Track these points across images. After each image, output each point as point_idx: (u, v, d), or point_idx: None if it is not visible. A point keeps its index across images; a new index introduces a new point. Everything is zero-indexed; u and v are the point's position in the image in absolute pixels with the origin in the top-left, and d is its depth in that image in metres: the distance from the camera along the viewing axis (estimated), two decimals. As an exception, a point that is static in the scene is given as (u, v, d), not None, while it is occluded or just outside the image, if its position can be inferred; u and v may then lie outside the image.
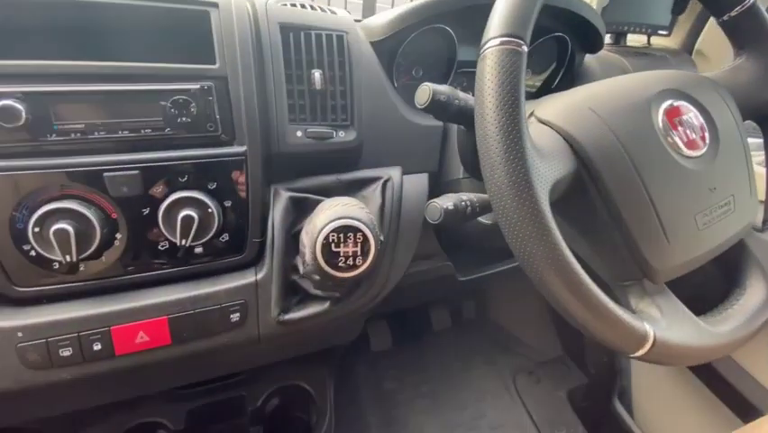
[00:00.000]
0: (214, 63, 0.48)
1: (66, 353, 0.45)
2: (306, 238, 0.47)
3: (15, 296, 0.46)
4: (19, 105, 0.41)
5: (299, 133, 0.55)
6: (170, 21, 0.47)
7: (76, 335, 0.46)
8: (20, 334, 0.44)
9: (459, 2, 0.64)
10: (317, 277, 0.47)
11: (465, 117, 0.47)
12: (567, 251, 0.35)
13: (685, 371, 0.84)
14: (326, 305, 0.56)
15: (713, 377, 0.76)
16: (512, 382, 1.30)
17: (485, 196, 0.47)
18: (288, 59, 0.53)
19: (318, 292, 0.55)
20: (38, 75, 0.42)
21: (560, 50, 0.83)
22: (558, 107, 0.46)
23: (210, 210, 0.48)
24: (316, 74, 0.54)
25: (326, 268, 0.45)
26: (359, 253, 0.45)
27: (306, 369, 0.91)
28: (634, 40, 1.10)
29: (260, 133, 0.51)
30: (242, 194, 0.51)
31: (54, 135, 0.43)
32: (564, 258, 0.35)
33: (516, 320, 1.41)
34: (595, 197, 0.43)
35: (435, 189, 0.69)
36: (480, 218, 0.65)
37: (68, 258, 0.43)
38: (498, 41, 0.36)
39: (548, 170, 0.38)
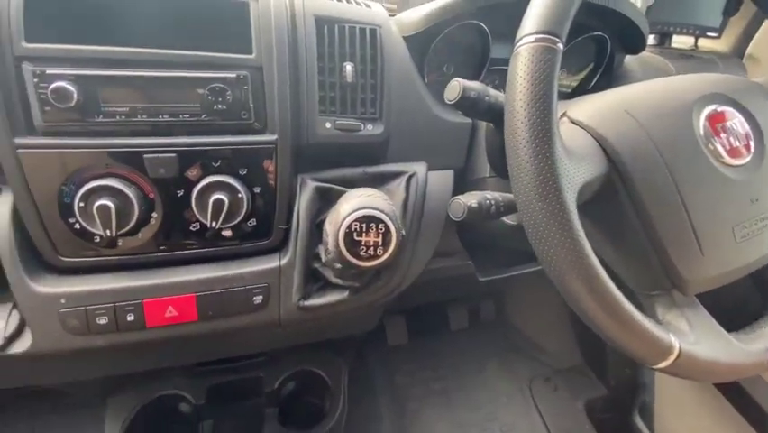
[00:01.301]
0: (250, 53, 0.50)
1: (102, 321, 0.48)
2: (329, 227, 0.48)
3: (59, 265, 0.49)
4: (71, 87, 0.43)
5: (328, 125, 0.55)
6: (212, 11, 0.49)
7: (112, 305, 0.49)
8: (62, 300, 0.48)
9: (495, -2, 0.63)
10: (339, 265, 0.48)
11: (495, 115, 0.47)
12: (591, 254, 0.34)
13: (712, 389, 0.80)
14: (345, 294, 0.57)
15: (741, 397, 0.73)
16: (528, 387, 1.28)
17: (510, 195, 0.47)
18: (322, 51, 0.54)
19: (338, 281, 0.56)
20: (89, 59, 0.45)
21: (598, 50, 0.80)
22: (592, 108, 0.45)
23: (240, 195, 0.50)
24: (348, 67, 0.55)
25: (348, 256, 0.45)
26: (380, 244, 0.46)
27: (323, 356, 0.93)
28: (680, 41, 1.04)
29: (291, 123, 0.52)
30: (271, 181, 0.53)
31: (101, 117, 0.46)
32: (588, 261, 0.34)
33: (536, 325, 1.39)
34: (625, 201, 0.42)
35: (461, 187, 0.68)
36: (504, 218, 0.65)
37: (108, 233, 0.46)
38: (532, 37, 0.35)
39: (577, 171, 0.37)
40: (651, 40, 1.00)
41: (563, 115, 0.46)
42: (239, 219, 0.51)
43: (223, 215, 0.49)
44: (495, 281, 0.85)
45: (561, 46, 0.35)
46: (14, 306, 0.49)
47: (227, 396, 0.87)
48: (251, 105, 0.50)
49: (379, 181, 0.61)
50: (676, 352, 0.37)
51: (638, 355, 0.37)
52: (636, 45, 0.77)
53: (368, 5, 0.60)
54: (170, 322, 0.51)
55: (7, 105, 0.43)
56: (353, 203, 0.46)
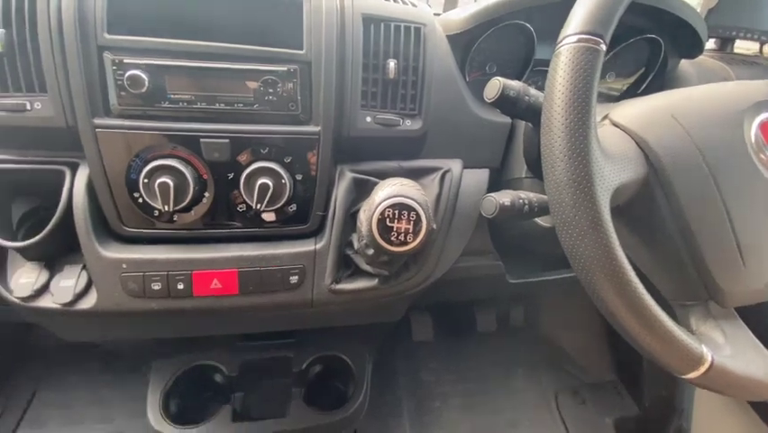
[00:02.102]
0: (301, 49, 0.53)
1: (156, 287, 0.54)
2: (363, 215, 0.51)
3: (123, 234, 0.55)
4: (144, 75, 0.49)
5: (368, 119, 0.58)
6: (268, 8, 0.53)
7: (165, 273, 0.54)
8: (124, 265, 0.53)
9: (541, -1, 0.63)
10: (371, 251, 0.51)
11: (534, 115, 0.47)
12: (622, 255, 0.34)
13: (755, 418, 0.75)
14: (374, 281, 0.59)
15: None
16: (554, 398, 1.25)
17: (545, 197, 0.47)
18: (367, 48, 0.56)
19: (368, 268, 0.59)
20: (159, 51, 0.50)
21: (652, 53, 0.77)
22: (635, 111, 0.44)
23: (283, 181, 0.54)
24: (391, 63, 0.57)
25: (380, 241, 0.48)
26: (410, 231, 0.48)
27: (349, 344, 0.96)
28: (743, 47, 0.98)
29: (334, 115, 0.55)
30: (312, 170, 0.56)
31: (167, 103, 0.51)
32: (618, 262, 0.34)
33: (567, 335, 1.35)
34: (663, 207, 0.41)
35: (496, 186, 0.69)
36: (538, 220, 0.64)
37: (166, 207, 0.51)
38: (575, 38, 0.35)
39: (613, 172, 0.37)
40: (711, 44, 0.95)
41: (606, 117, 0.46)
42: (281, 203, 0.55)
43: (267, 198, 0.53)
44: (525, 286, 0.84)
45: (604, 47, 0.35)
46: (84, 267, 0.55)
47: (259, 371, 0.92)
48: (299, 98, 0.54)
49: (414, 175, 0.63)
50: (707, 363, 0.36)
51: (666, 363, 0.36)
52: (693, 49, 0.74)
53: (414, 5, 0.62)
54: (214, 293, 0.55)
55: (90, 90, 0.49)
56: (388, 191, 0.48)
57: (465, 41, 0.67)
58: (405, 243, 0.48)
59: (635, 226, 0.44)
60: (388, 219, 0.47)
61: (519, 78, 0.73)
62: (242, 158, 0.53)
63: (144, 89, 0.49)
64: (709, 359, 0.36)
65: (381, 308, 0.74)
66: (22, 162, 0.53)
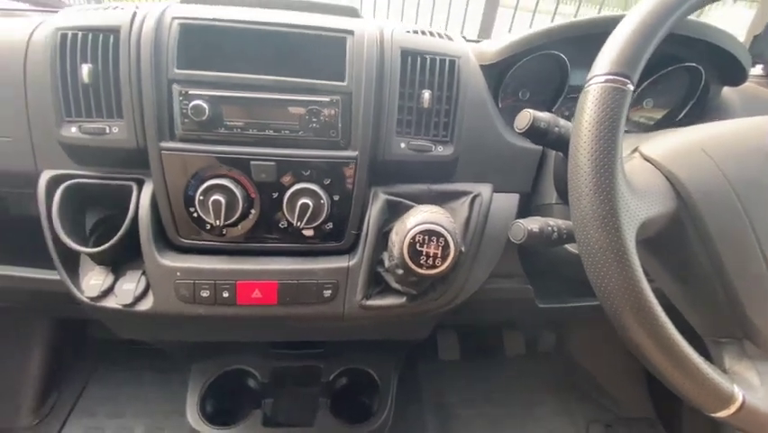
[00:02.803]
0: (343, 81, 0.57)
1: (205, 294, 0.59)
2: (395, 237, 0.54)
3: (178, 245, 0.61)
4: (205, 105, 0.55)
5: (402, 145, 0.61)
6: (315, 44, 0.58)
7: (213, 282, 0.59)
8: (178, 273, 0.59)
9: (574, 31, 0.65)
10: (401, 271, 0.54)
11: (563, 145, 0.48)
12: (648, 290, 0.34)
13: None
14: (403, 299, 0.62)
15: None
16: (585, 430, 1.20)
17: None
18: (404, 79, 0.60)
19: (398, 287, 0.61)
20: (218, 83, 0.56)
21: (692, 80, 0.76)
22: (665, 145, 0.44)
23: (322, 201, 0.58)
24: (426, 94, 0.60)
25: (410, 264, 0.51)
26: (439, 256, 0.50)
27: (376, 358, 0.98)
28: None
29: (370, 141, 0.59)
30: (349, 191, 0.60)
31: (223, 129, 0.57)
32: (644, 296, 0.34)
33: (601, 365, 1.29)
34: (695, 243, 0.41)
35: (526, 211, 0.70)
36: (568, 247, 0.65)
37: (217, 222, 0.56)
38: (603, 78, 0.36)
39: (640, 206, 0.37)
40: (758, 70, 0.91)
41: (635, 150, 0.46)
42: (319, 222, 0.59)
43: (307, 217, 0.57)
44: (556, 311, 0.83)
45: (631, 87, 0.36)
46: (143, 273, 0.61)
47: (288, 379, 0.96)
48: (339, 125, 0.58)
49: (444, 198, 0.65)
50: (738, 402, 0.35)
51: (694, 399, 0.36)
52: (736, 77, 0.72)
53: (450, 37, 0.66)
54: (255, 302, 0.60)
55: (159, 117, 0.56)
56: (419, 217, 0.51)
57: (499, 69, 0.69)
58: (434, 266, 0.51)
59: (666, 260, 0.44)
60: (418, 244, 0.50)
61: (552, 105, 0.75)
62: (286, 179, 0.58)
63: (205, 117, 0.55)
64: (740, 398, 0.35)
65: (408, 326, 0.76)
66: (98, 177, 0.61)
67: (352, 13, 0.62)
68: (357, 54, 0.58)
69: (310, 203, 0.57)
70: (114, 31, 0.55)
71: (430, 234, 0.50)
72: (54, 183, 0.59)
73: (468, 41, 0.78)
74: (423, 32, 0.64)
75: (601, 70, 0.37)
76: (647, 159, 0.44)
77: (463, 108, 0.62)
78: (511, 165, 0.68)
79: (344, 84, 0.57)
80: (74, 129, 0.56)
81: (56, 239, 0.59)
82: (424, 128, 0.62)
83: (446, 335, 1.30)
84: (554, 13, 2.49)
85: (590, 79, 0.38)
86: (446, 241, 0.50)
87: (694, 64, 0.72)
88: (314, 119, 0.57)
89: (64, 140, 0.57)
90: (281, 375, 0.96)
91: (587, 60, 0.69)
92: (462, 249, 0.52)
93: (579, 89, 0.72)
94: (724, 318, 0.41)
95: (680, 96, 0.78)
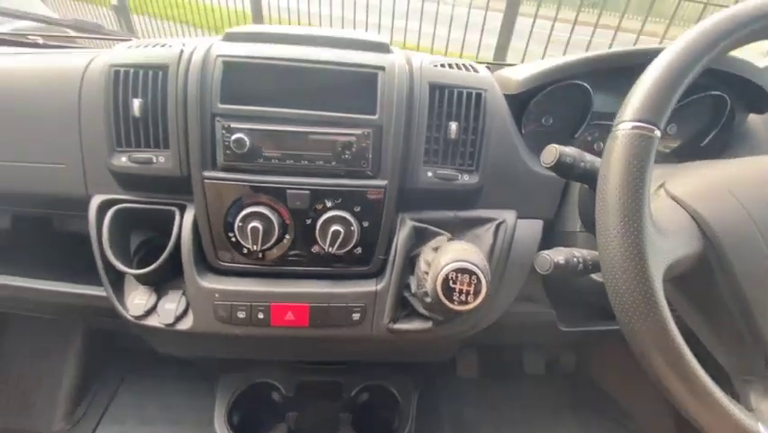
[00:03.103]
0: (374, 114, 0.60)
1: (241, 315, 0.62)
2: (428, 269, 0.56)
3: (217, 267, 0.65)
4: (246, 138, 0.58)
5: (429, 173, 0.63)
6: (349, 80, 0.61)
7: (249, 304, 0.62)
8: (216, 295, 0.63)
9: (598, 64, 0.66)
10: (428, 299, 0.56)
11: (590, 179, 0.49)
12: (675, 331, 0.35)
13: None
14: (429, 324, 0.64)
15: None
16: (607, 453, 1.18)
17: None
18: (432, 111, 0.63)
19: (424, 312, 0.63)
20: (258, 117, 0.59)
21: (717, 108, 0.76)
22: (692, 183, 0.45)
23: (352, 228, 0.61)
24: (453, 126, 0.62)
25: (443, 300, 0.53)
26: (471, 292, 0.52)
27: (396, 376, 1.00)
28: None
29: (399, 171, 0.62)
30: (378, 218, 0.63)
31: (261, 160, 0.60)
32: (671, 338, 0.35)
33: (624, 388, 1.27)
34: (722, 283, 0.42)
35: (550, 238, 0.71)
36: (593, 276, 0.65)
37: (254, 247, 0.60)
38: (630, 124, 0.38)
39: (667, 248, 0.38)
40: (786, 95, 0.91)
41: (661, 186, 0.48)
42: (349, 247, 0.62)
43: (338, 242, 0.60)
44: (578, 333, 0.83)
45: (658, 134, 0.38)
46: (183, 293, 0.65)
47: (312, 394, 0.99)
48: (370, 156, 0.61)
49: (468, 225, 0.67)
50: None
51: None
52: (762, 105, 0.73)
53: (476, 70, 0.68)
54: (288, 324, 0.63)
55: (202, 148, 0.59)
56: (452, 255, 0.53)
57: (523, 98, 0.71)
58: (466, 302, 0.53)
59: (693, 298, 0.45)
60: (451, 281, 0.52)
61: (576, 131, 0.76)
62: (319, 206, 0.61)
63: (245, 149, 0.58)
64: None
65: (432, 348, 0.78)
66: (144, 202, 0.65)
67: (384, 48, 0.65)
68: (388, 89, 0.61)
69: (341, 230, 0.60)
70: (163, 68, 0.59)
71: (463, 271, 0.52)
72: (104, 207, 0.64)
73: (490, 64, 0.80)
74: (450, 66, 0.66)
75: (629, 116, 0.38)
76: (673, 198, 0.45)
77: (489, 138, 0.64)
78: (535, 193, 0.70)
79: (375, 117, 0.60)
80: (124, 159, 0.61)
81: (105, 260, 0.63)
82: (450, 158, 0.64)
83: (465, 352, 1.31)
84: (574, 22, 2.49)
85: (618, 124, 0.39)
86: (478, 278, 0.52)
87: (720, 93, 0.73)
88: (346, 150, 0.60)
89: (114, 168, 0.61)
90: (305, 390, 0.99)
91: (610, 85, 0.70)
92: (489, 279, 0.54)
93: (602, 115, 0.75)
94: (750, 356, 0.42)
95: (704, 123, 0.78)
